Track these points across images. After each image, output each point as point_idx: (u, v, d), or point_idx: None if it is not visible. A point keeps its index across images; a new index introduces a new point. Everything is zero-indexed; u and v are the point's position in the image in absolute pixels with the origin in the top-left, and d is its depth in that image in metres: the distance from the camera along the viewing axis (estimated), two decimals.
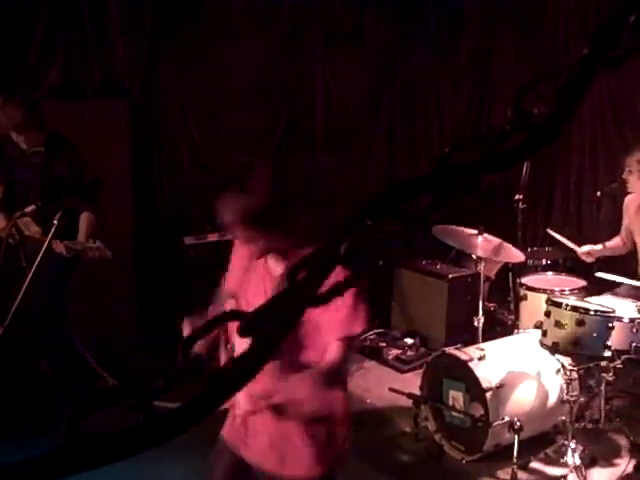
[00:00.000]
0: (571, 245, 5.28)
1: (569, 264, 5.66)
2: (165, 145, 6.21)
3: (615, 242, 5.24)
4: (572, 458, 4.18)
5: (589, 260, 5.19)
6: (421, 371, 4.70)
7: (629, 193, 5.08)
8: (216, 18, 6.16)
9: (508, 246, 4.93)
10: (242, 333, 0.91)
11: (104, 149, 5.50)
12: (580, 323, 4.04)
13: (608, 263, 5.24)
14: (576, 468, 4.14)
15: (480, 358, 4.26)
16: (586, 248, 5.19)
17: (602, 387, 4.46)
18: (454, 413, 4.34)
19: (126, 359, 5.33)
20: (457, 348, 4.43)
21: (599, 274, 4.88)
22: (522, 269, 5.37)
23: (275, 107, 6.71)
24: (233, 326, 0.96)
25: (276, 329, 0.90)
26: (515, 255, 4.95)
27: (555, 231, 5.54)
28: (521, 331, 4.82)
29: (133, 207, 5.85)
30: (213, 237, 5.95)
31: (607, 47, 0.93)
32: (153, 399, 0.92)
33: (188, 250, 5.93)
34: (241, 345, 2.54)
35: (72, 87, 5.69)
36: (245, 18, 6.32)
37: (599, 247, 5.20)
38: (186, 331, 2.77)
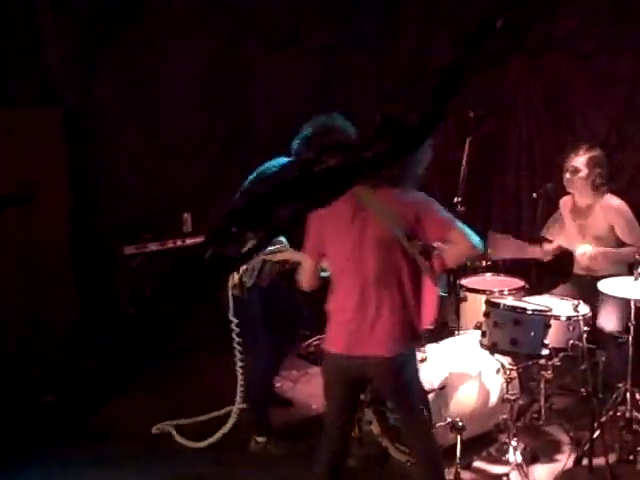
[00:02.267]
0: (523, 245, 5.29)
1: (508, 265, 5.74)
2: (103, 153, 6.12)
3: (561, 243, 5.33)
4: (514, 456, 4.25)
5: (547, 258, 5.22)
6: None
7: (565, 194, 5.18)
8: (153, 23, 6.10)
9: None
10: None
11: (39, 158, 5.42)
12: (518, 323, 4.10)
13: (547, 265, 5.31)
14: (518, 465, 4.21)
15: (422, 360, 4.28)
16: (539, 250, 5.23)
17: (541, 385, 4.54)
18: (397, 416, 4.36)
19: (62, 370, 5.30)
20: None
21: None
22: (462, 271, 5.43)
23: (215, 111, 6.69)
24: None
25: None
26: None
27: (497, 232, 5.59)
28: (462, 332, 4.87)
29: (70, 217, 5.74)
30: (154, 246, 5.89)
31: (477, 50, 0.94)
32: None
33: (129, 260, 5.86)
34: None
35: (6, 95, 5.58)
36: (182, 23, 6.28)
37: (553, 245, 5.25)
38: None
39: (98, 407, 5.09)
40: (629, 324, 4.27)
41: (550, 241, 5.24)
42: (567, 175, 4.98)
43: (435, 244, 3.36)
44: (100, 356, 5.29)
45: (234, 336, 4.28)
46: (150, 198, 6.23)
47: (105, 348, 5.03)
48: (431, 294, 3.43)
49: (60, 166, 5.63)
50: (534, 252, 5.20)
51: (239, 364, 4.38)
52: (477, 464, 4.31)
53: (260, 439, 4.56)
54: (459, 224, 3.30)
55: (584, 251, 4.95)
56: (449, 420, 4.13)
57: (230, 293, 4.20)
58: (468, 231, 3.29)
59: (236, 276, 4.17)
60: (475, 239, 3.29)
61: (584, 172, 4.90)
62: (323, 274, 3.56)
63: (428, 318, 3.52)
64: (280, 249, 4.08)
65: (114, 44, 6.00)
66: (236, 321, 4.24)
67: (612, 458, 4.16)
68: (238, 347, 4.31)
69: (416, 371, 3.58)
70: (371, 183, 3.21)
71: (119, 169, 6.24)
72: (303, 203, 1.01)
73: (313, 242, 3.42)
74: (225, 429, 4.57)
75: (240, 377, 4.44)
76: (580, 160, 4.91)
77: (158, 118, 6.29)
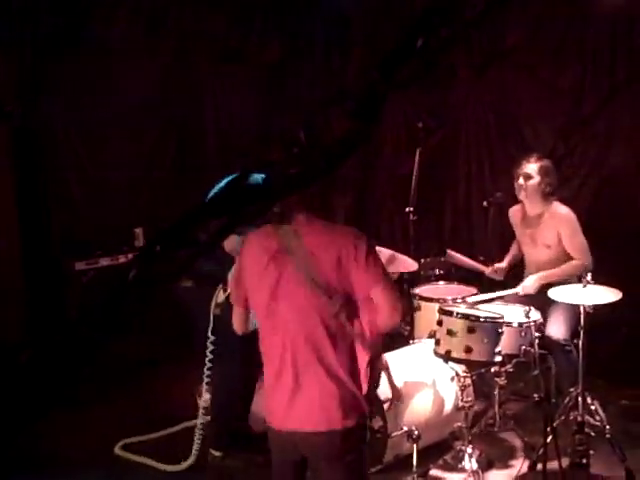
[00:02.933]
0: (478, 266, 5.37)
1: (461, 273, 5.80)
2: (52, 169, 6.05)
3: (514, 250, 5.42)
4: (469, 463, 4.28)
5: (499, 277, 5.30)
6: None
7: (515, 203, 5.26)
8: (100, 40, 6.05)
9: (401, 256, 5.02)
10: None
11: None
12: (471, 330, 4.13)
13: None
14: (474, 472, 4.24)
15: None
16: (490, 269, 5.30)
17: (495, 391, 4.59)
18: None
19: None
20: None
21: (473, 298, 4.98)
22: (415, 280, 5.48)
23: (165, 127, 6.66)
24: None
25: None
26: (409, 264, 5.04)
27: (452, 248, 5.65)
28: (416, 341, 4.90)
29: (20, 234, 5.65)
30: (105, 261, 5.82)
31: (395, 71, 0.95)
32: None
33: (80, 276, 5.78)
34: None
35: None
36: (130, 39, 6.24)
37: (504, 265, 5.34)
38: None
39: (47, 428, 4.97)
40: (579, 329, 4.35)
41: (500, 260, 5.34)
42: (520, 181, 5.04)
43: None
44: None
45: (208, 353, 4.22)
46: (101, 213, 6.17)
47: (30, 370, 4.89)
48: (362, 359, 2.91)
49: (8, 183, 5.54)
50: (486, 271, 5.29)
51: (205, 380, 4.33)
52: (433, 472, 4.33)
53: (217, 453, 4.54)
54: (387, 282, 2.80)
55: (528, 285, 4.97)
56: (405, 429, 4.14)
57: (212, 311, 4.14)
58: (393, 295, 2.81)
59: (222, 295, 4.12)
60: (396, 306, 2.81)
61: (536, 179, 4.98)
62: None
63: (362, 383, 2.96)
64: None
65: (62, 61, 5.94)
66: (212, 339, 4.17)
67: (565, 462, 4.21)
68: (208, 364, 4.25)
69: (361, 456, 3.00)
70: (296, 221, 2.80)
71: (69, 185, 6.17)
72: (230, 218, 1.01)
73: (237, 286, 3.04)
74: (195, 447, 4.50)
75: (206, 394, 4.39)
76: (532, 167, 4.99)
77: (107, 134, 6.23)
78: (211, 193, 4.41)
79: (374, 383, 3.07)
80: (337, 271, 2.74)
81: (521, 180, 5.03)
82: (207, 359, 4.23)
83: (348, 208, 2.98)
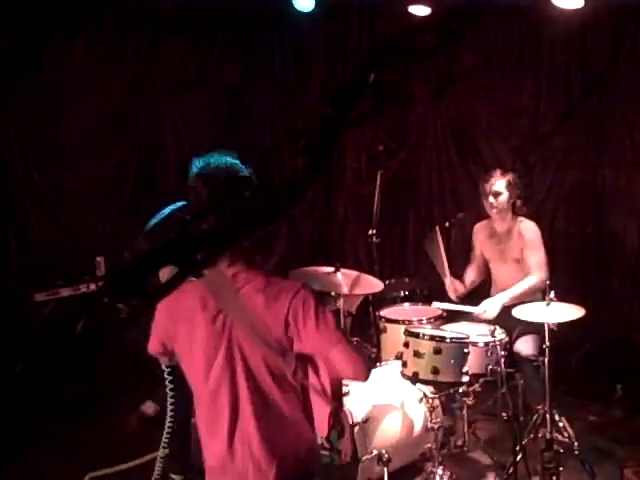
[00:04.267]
0: (445, 268, 5.31)
1: (426, 293, 5.81)
2: (8, 198, 5.95)
3: (471, 279, 5.36)
4: None
5: (453, 297, 5.26)
6: None
7: (477, 221, 5.28)
8: (56, 65, 6.00)
9: (366, 277, 5.01)
10: None
11: None
12: (437, 351, 4.14)
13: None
14: None
15: (344, 394, 4.27)
16: (452, 283, 5.25)
17: (464, 411, 4.59)
18: (323, 452, 4.32)
19: None
20: None
21: (436, 304, 5.00)
22: (381, 302, 5.47)
23: (126, 152, 6.61)
24: None
25: None
26: (374, 285, 5.03)
27: (415, 268, 5.64)
28: (383, 363, 4.88)
29: None
30: (66, 292, 5.72)
31: (348, 106, 0.94)
32: None
33: (40, 307, 5.67)
34: None
35: None
36: (87, 65, 6.19)
37: (463, 289, 5.29)
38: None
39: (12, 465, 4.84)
40: (543, 346, 4.38)
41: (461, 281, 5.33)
42: (490, 199, 5.02)
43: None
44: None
45: (166, 378, 4.11)
46: (60, 243, 6.08)
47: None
48: (323, 412, 2.71)
49: None
50: (447, 283, 5.26)
51: (170, 407, 4.24)
52: None
53: (176, 477, 4.47)
54: (344, 341, 2.58)
55: (490, 309, 4.91)
56: (375, 452, 4.11)
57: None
58: (355, 353, 2.61)
59: None
60: (362, 364, 2.61)
61: (505, 195, 4.99)
62: None
63: (320, 430, 2.78)
64: None
65: (17, 87, 5.87)
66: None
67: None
68: (170, 392, 4.15)
69: None
70: (235, 276, 2.55)
71: (26, 213, 6.07)
72: (180, 268, 0.98)
73: (156, 334, 2.70)
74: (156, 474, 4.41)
75: (168, 422, 4.31)
76: (500, 183, 4.99)
77: (65, 161, 6.16)
78: (152, 222, 4.37)
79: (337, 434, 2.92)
80: (286, 331, 2.51)
81: (491, 198, 5.01)
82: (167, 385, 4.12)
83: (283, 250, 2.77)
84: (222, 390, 2.55)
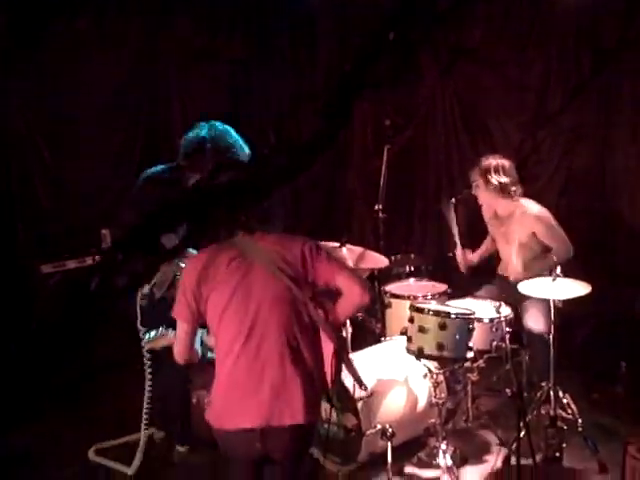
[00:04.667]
0: (456, 236, 5.35)
1: (431, 269, 5.80)
2: (15, 171, 5.95)
3: (486, 245, 5.46)
4: (444, 459, 4.28)
5: (463, 267, 5.36)
6: None
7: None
8: (64, 38, 5.97)
9: (371, 253, 5.01)
10: None
11: None
12: (442, 327, 4.14)
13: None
14: (448, 469, 4.25)
15: None
16: (463, 253, 5.35)
17: (468, 387, 4.61)
18: (327, 425, 4.34)
19: None
20: None
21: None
22: (386, 277, 5.47)
23: (132, 126, 6.58)
24: None
25: None
26: (380, 261, 5.03)
27: (422, 245, 5.63)
28: (388, 338, 4.89)
29: None
30: (72, 264, 5.71)
31: (368, 66, 0.93)
32: None
33: (46, 279, 5.67)
34: None
35: None
36: (95, 37, 6.17)
37: (474, 258, 5.39)
38: None
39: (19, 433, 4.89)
40: (550, 323, 4.38)
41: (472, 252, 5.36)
42: (472, 191, 5.12)
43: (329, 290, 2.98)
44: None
45: (143, 348, 4.10)
46: (67, 215, 6.08)
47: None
48: (327, 349, 3.01)
49: None
50: (458, 252, 5.30)
51: (148, 377, 4.23)
52: (408, 469, 4.33)
53: (182, 449, 4.51)
54: (348, 268, 3.03)
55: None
56: (379, 427, 4.13)
57: (138, 304, 4.07)
58: (358, 276, 3.02)
59: (147, 287, 4.06)
60: (365, 285, 2.98)
61: (480, 183, 5.00)
62: (210, 355, 3.21)
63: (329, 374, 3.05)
64: (162, 334, 3.94)
65: (21, 64, 5.84)
66: (144, 329, 4.07)
67: (539, 456, 4.23)
68: (148, 362, 4.14)
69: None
70: (248, 231, 2.89)
71: (33, 186, 6.07)
72: (195, 223, 0.97)
73: (187, 302, 2.93)
74: (140, 450, 4.43)
75: (147, 393, 4.30)
76: (475, 173, 5.05)
77: (72, 133, 6.15)
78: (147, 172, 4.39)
79: (339, 373, 3.10)
80: (302, 264, 2.91)
81: (473, 188, 5.09)
82: (145, 357, 4.08)
83: (284, 219, 3.06)
84: (245, 319, 2.86)
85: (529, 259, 5.01)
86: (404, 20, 0.86)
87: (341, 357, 3.07)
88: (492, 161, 5.01)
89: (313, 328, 2.95)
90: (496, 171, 4.97)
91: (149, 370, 4.10)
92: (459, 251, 5.31)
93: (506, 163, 5.01)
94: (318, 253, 2.94)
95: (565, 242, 4.89)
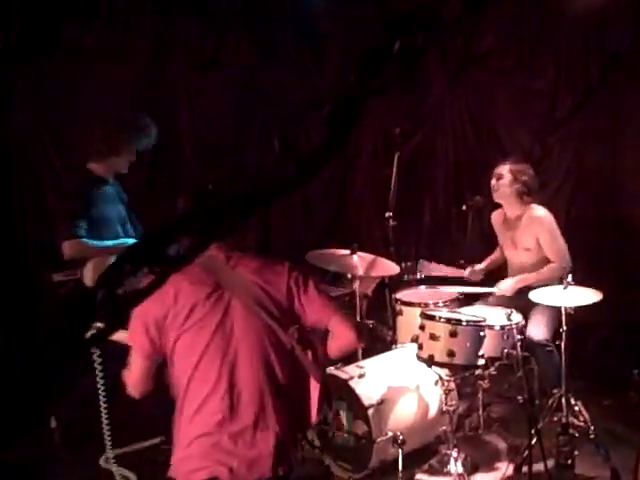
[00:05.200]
0: (455, 272, 5.36)
1: (441, 276, 5.79)
2: (25, 178, 5.98)
3: (495, 255, 5.45)
4: (455, 467, 4.26)
5: (476, 279, 5.31)
6: None
7: (494, 206, 5.27)
8: (74, 43, 6.01)
9: (382, 260, 5.01)
10: None
11: None
12: (453, 334, 4.13)
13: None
14: (459, 476, 4.22)
15: (360, 376, 4.29)
16: (468, 270, 5.30)
17: (479, 395, 4.59)
18: (338, 433, 4.35)
19: None
20: (337, 368, 4.43)
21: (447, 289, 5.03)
22: (397, 284, 5.46)
23: None
24: None
25: None
26: (390, 268, 5.03)
27: (431, 252, 5.65)
28: (399, 346, 4.89)
29: None
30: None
31: (371, 75, 0.93)
32: None
33: (58, 287, 5.69)
34: None
35: None
36: (104, 44, 6.20)
37: (481, 266, 5.36)
38: None
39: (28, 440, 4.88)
40: (560, 331, 4.37)
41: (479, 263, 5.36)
42: (492, 181, 5.09)
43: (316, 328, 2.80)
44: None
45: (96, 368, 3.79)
46: None
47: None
48: (314, 390, 2.78)
49: None
50: (464, 274, 5.29)
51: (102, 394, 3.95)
52: (419, 477, 4.31)
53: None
54: (340, 310, 2.78)
55: (505, 288, 4.99)
56: (390, 434, 4.12)
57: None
58: (352, 321, 2.84)
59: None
60: (360, 329, 2.83)
61: (507, 178, 5.00)
62: None
63: (312, 417, 2.84)
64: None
65: (32, 68, 5.88)
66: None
67: (551, 463, 4.22)
68: (101, 380, 3.84)
69: None
70: (226, 257, 2.64)
71: (44, 194, 6.10)
72: (201, 236, 0.98)
73: (150, 337, 2.63)
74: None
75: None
76: (505, 167, 5.03)
77: (81, 141, 6.17)
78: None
79: (321, 413, 2.93)
80: (288, 301, 2.65)
81: (493, 181, 5.07)
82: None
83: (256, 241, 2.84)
84: (223, 366, 2.58)
85: (535, 265, 5.00)
86: (409, 29, 0.86)
87: (327, 398, 2.98)
88: (521, 166, 5.06)
89: (296, 371, 2.70)
90: (523, 173, 5.00)
91: (102, 382, 3.68)
92: (467, 273, 5.29)
93: (532, 171, 5.06)
94: (306, 288, 2.67)
95: (563, 257, 4.90)
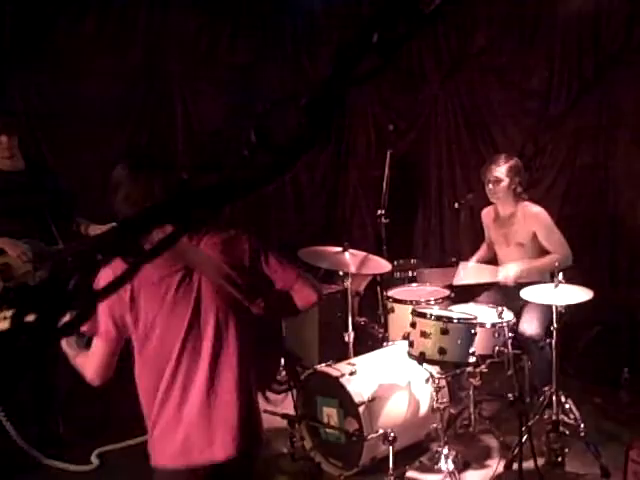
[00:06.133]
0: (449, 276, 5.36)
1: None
2: None
3: (483, 251, 5.45)
4: (446, 464, 4.28)
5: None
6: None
7: (486, 204, 5.27)
8: (68, 40, 6.00)
9: (374, 258, 5.01)
10: None
11: None
12: (444, 332, 4.14)
13: None
14: (450, 473, 4.24)
15: (351, 373, 4.29)
16: (461, 266, 5.30)
17: (470, 392, 4.60)
18: (329, 430, 4.35)
19: None
20: (328, 365, 4.44)
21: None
22: (389, 282, 5.47)
23: (135, 129, 6.59)
24: None
25: None
26: (382, 266, 5.03)
27: (424, 249, 5.66)
28: (390, 343, 4.89)
29: None
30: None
31: (351, 66, 0.93)
32: None
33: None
34: None
35: None
36: (98, 40, 6.19)
37: (472, 262, 5.35)
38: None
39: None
40: (551, 328, 4.38)
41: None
42: (490, 186, 5.04)
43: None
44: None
45: None
46: None
47: None
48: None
49: None
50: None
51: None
52: (410, 474, 4.32)
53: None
54: (301, 271, 2.85)
55: (507, 274, 4.93)
56: (381, 432, 4.13)
57: None
58: (312, 280, 2.87)
59: None
60: (318, 288, 2.88)
61: (506, 181, 4.99)
62: None
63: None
64: None
65: (26, 63, 5.86)
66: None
67: (541, 461, 4.23)
68: None
69: None
70: (188, 236, 2.62)
71: None
72: (178, 225, 0.97)
73: (116, 325, 2.57)
74: None
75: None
76: (501, 170, 4.99)
77: (75, 136, 6.16)
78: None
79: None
80: (252, 273, 2.69)
81: (491, 185, 5.04)
82: None
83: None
84: (196, 348, 2.59)
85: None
86: (387, 20, 0.86)
87: (291, 366, 2.98)
88: (514, 161, 5.05)
89: (260, 339, 2.75)
90: (517, 172, 5.01)
91: None
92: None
93: (521, 164, 5.08)
94: (267, 258, 2.73)
95: (563, 247, 4.89)
